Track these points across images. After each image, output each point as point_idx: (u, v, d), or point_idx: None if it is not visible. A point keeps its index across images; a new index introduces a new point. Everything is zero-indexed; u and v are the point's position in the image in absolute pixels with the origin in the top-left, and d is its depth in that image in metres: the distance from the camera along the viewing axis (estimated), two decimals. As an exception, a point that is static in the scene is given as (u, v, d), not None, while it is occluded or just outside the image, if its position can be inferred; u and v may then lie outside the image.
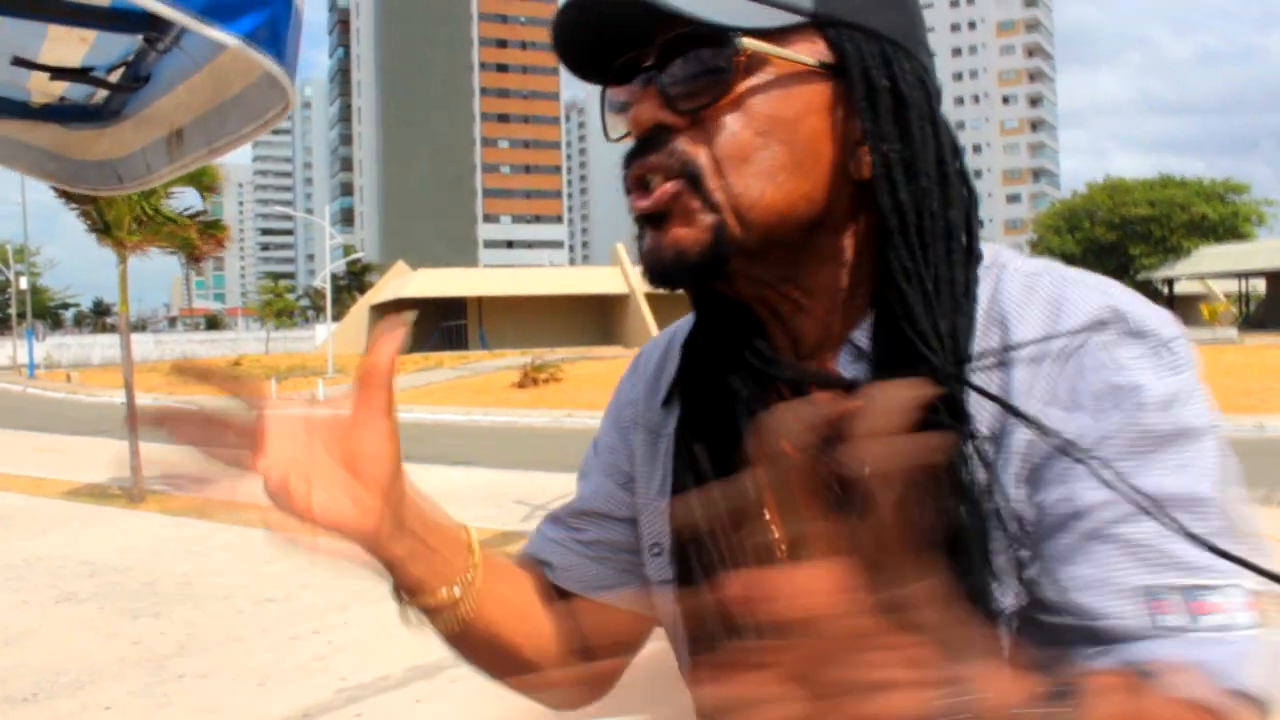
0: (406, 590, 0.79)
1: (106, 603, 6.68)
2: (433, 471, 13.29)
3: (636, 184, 0.73)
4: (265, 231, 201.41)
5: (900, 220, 0.71)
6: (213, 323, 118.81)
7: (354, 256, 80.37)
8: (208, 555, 8.20)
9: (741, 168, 0.70)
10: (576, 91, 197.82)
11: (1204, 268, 56.86)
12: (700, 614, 0.74)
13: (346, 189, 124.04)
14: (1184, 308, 63.06)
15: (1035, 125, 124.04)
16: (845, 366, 0.75)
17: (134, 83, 1.10)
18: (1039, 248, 68.15)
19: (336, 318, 56.78)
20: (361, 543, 0.73)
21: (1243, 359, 30.32)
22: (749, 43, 0.68)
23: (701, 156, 0.70)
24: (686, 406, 0.83)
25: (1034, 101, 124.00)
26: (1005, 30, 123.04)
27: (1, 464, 14.44)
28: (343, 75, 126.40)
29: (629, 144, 0.75)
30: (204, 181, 10.53)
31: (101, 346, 59.99)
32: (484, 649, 0.86)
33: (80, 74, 1.11)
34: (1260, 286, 60.02)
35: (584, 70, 0.77)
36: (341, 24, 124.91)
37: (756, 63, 0.70)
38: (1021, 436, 0.69)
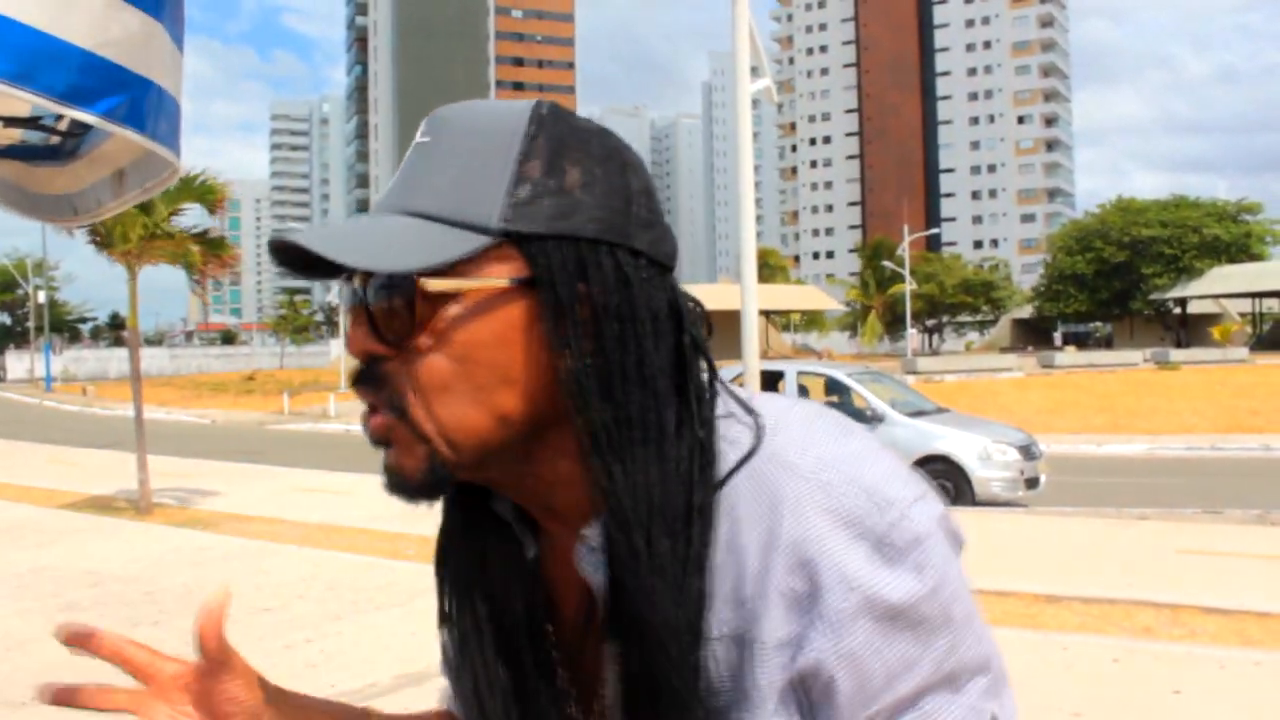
0: None
1: (107, 611, 6.84)
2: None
3: (369, 409, 0.75)
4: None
5: (591, 435, 0.71)
6: (228, 337, 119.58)
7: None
8: (210, 566, 8.37)
9: (443, 396, 0.71)
10: (592, 109, 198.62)
11: (1217, 288, 56.74)
12: None
13: (363, 205, 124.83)
14: (1198, 327, 62.97)
15: (1050, 145, 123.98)
16: (584, 558, 0.75)
17: (78, 130, 1.26)
18: (1051, 267, 68.36)
19: (350, 333, 57.00)
20: None
21: (1253, 379, 30.25)
22: (427, 283, 0.70)
23: (408, 389, 0.72)
24: (448, 558, 0.85)
25: (1049, 121, 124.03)
26: (1020, 50, 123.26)
27: (14, 475, 14.69)
28: (360, 92, 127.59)
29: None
30: (208, 199, 10.70)
31: (118, 360, 60.53)
32: None
33: (30, 122, 1.27)
34: (1275, 306, 59.82)
35: (312, 276, 0.78)
36: (359, 41, 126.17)
37: (445, 294, 0.70)
38: (776, 655, 0.69)
